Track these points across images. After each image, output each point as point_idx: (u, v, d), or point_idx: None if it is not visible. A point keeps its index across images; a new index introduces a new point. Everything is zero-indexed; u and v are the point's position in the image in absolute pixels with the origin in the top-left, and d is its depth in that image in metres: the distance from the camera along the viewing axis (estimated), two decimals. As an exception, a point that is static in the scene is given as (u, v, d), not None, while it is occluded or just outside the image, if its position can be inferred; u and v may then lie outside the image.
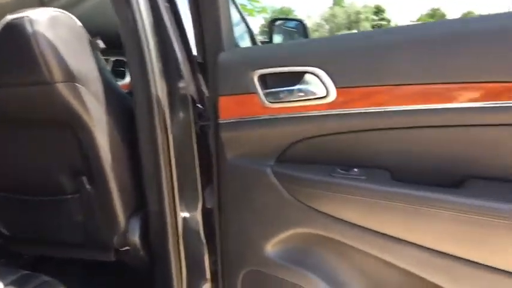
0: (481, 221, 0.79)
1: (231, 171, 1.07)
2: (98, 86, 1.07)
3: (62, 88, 0.99)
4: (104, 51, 1.13)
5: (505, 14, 0.83)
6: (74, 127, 1.06)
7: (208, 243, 1.23)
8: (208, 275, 1.25)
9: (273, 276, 1.08)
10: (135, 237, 1.25)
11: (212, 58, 1.03)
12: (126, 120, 1.14)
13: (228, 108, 1.00)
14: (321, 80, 0.90)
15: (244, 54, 1.01)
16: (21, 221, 1.32)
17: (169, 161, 1.11)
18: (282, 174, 1.00)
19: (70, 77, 0.99)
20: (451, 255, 0.85)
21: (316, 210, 0.98)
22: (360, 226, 0.93)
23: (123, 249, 1.28)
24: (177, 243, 1.18)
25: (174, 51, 1.09)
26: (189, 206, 1.21)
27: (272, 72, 0.95)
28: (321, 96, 0.91)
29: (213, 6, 1.01)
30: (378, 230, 0.91)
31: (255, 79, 0.96)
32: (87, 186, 1.17)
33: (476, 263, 0.82)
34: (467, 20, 0.89)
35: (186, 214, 1.21)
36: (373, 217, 0.91)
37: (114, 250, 1.28)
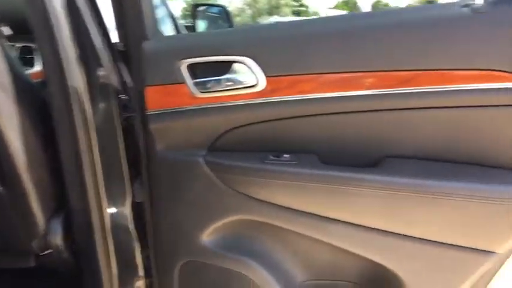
0: (396, 195, 0.87)
1: (162, 163, 1.04)
2: (4, 77, 0.97)
3: None
4: (9, 37, 1.02)
5: (406, 9, 0.92)
6: None
7: (140, 238, 1.19)
8: (141, 271, 1.22)
9: (211, 265, 1.09)
10: (57, 239, 1.17)
11: (136, 47, 0.98)
12: (39, 114, 1.05)
13: (156, 99, 0.97)
14: (250, 69, 0.91)
15: (170, 43, 0.98)
16: None
17: (92, 155, 1.05)
18: (215, 164, 1.00)
19: None
20: (374, 228, 0.93)
21: (250, 196, 1.00)
22: (292, 209, 0.98)
23: (45, 253, 1.19)
24: (105, 240, 1.13)
25: (90, 37, 1.02)
26: (117, 201, 1.16)
27: (200, 61, 0.94)
28: (251, 85, 0.92)
29: None
30: (309, 211, 0.97)
31: (183, 69, 0.94)
32: None
33: (396, 233, 0.91)
34: (378, 13, 0.96)
35: (114, 210, 1.16)
36: (304, 199, 0.96)
37: (34, 255, 1.19)
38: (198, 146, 1.02)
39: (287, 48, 0.91)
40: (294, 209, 0.97)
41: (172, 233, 1.11)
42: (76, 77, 0.98)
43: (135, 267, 1.21)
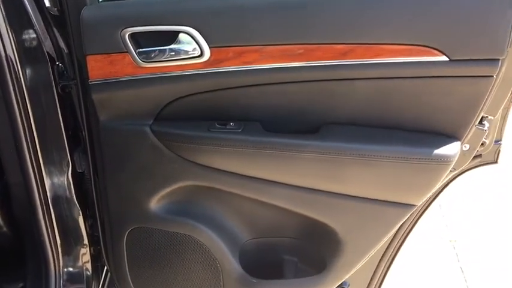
0: (333, 158, 0.96)
1: (106, 133, 1.04)
2: None
3: None
4: None
5: None
6: None
7: (83, 208, 1.20)
8: (85, 240, 1.23)
9: (159, 230, 1.13)
10: None
11: (74, 13, 0.94)
12: None
13: (98, 68, 0.96)
14: (194, 40, 0.92)
15: (112, 11, 0.95)
16: None
17: (29, 125, 1.02)
18: (162, 133, 1.02)
19: None
20: (313, 189, 1.02)
21: (197, 163, 1.04)
22: (237, 174, 1.04)
23: None
24: (47, 212, 1.12)
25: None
26: (57, 172, 1.14)
27: (144, 31, 0.93)
28: (196, 55, 0.94)
29: None
30: (253, 175, 1.03)
31: (126, 38, 0.92)
32: None
33: (333, 193, 1.01)
34: None
35: (55, 180, 1.14)
36: (249, 165, 1.02)
37: None
38: (143, 116, 1.02)
39: (231, 18, 0.93)
40: (239, 174, 1.03)
41: (119, 202, 1.12)
42: (7, 42, 0.93)
43: (79, 236, 1.22)
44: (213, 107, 1.02)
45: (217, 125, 1.01)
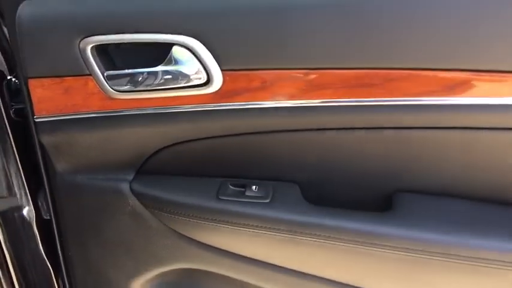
0: (419, 259, 0.59)
1: (67, 189, 0.70)
2: None
3: None
4: None
5: None
6: None
7: (54, 263, 0.88)
8: None
9: None
10: None
11: (10, 12, 0.59)
12: None
13: (47, 99, 0.61)
14: (197, 58, 0.56)
15: (66, 10, 0.58)
16: None
17: None
18: (147, 196, 0.67)
19: None
20: None
21: (199, 242, 0.68)
22: (259, 261, 0.68)
23: None
24: (6, 269, 0.82)
25: None
26: (17, 222, 0.82)
27: (115, 41, 0.57)
28: (200, 83, 0.57)
29: None
30: (284, 266, 0.67)
31: (88, 52, 0.57)
32: None
33: None
34: None
35: (16, 234, 0.83)
36: (280, 254, 0.66)
37: None
38: (120, 169, 0.67)
39: (259, 27, 0.55)
40: (262, 262, 0.67)
41: (89, 281, 0.79)
42: None
43: None
44: (223, 158, 0.66)
45: (232, 187, 0.65)
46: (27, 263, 0.87)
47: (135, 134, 0.64)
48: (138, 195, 0.67)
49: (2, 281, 0.89)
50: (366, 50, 0.53)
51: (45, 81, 0.59)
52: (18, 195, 0.81)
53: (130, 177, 0.68)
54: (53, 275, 0.88)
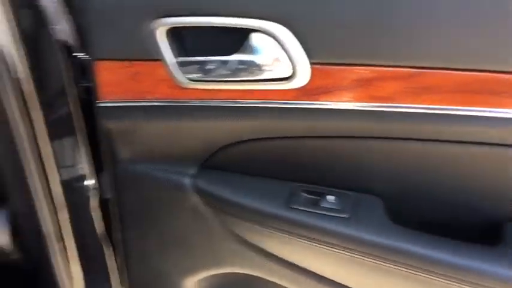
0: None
1: (127, 177, 0.66)
2: None
3: None
4: None
5: None
6: None
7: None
8: (116, 278, 0.92)
9: None
10: (2, 238, 0.88)
11: None
12: None
13: (113, 83, 0.56)
14: (282, 47, 0.48)
15: None
16: None
17: (36, 142, 0.68)
18: (209, 194, 0.61)
19: None
20: None
21: (261, 249, 0.62)
22: (327, 279, 0.60)
23: None
24: (63, 247, 0.83)
25: None
26: (78, 199, 0.82)
27: (191, 25, 0.50)
28: (282, 76, 0.50)
29: None
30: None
31: (160, 35, 0.51)
32: None
33: None
34: None
35: (76, 210, 0.83)
36: (358, 276, 0.58)
37: None
38: (183, 161, 0.62)
39: (361, 14, 0.46)
40: (331, 281, 0.60)
41: (143, 271, 0.76)
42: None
43: (106, 273, 0.92)
44: (298, 161, 0.58)
45: (305, 195, 0.58)
46: (84, 236, 0.88)
47: (202, 127, 0.58)
48: (200, 192, 0.62)
49: (57, 251, 0.90)
50: (497, 50, 0.43)
51: (113, 64, 0.54)
52: (82, 167, 0.80)
53: (193, 171, 0.62)
54: (107, 255, 0.88)
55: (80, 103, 0.73)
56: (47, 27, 0.66)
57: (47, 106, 0.68)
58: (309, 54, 0.48)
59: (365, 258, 0.53)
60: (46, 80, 0.69)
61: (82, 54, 0.71)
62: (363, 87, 0.48)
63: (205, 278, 0.71)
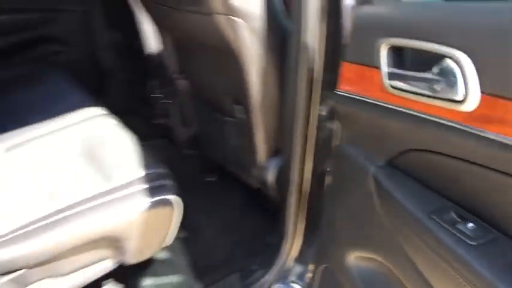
0: None
1: (339, 154, 0.88)
2: (258, 22, 1.04)
3: (220, 19, 1.02)
4: None
5: None
6: (233, 57, 1.09)
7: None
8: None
9: None
10: (269, 176, 1.27)
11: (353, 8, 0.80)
12: (279, 56, 1.08)
13: (349, 79, 0.79)
14: (461, 71, 0.57)
15: (376, 14, 0.72)
16: (204, 127, 1.57)
17: (308, 114, 1.01)
18: (381, 185, 0.75)
19: (229, 11, 1.00)
20: None
21: (404, 248, 0.70)
22: None
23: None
24: (299, 199, 1.12)
25: None
26: (320, 163, 1.09)
27: (404, 45, 0.66)
28: (455, 98, 0.58)
29: None
30: None
31: (382, 50, 0.69)
32: (240, 116, 1.24)
33: None
34: None
35: (317, 171, 1.10)
36: None
37: (254, 180, 1.35)
38: (378, 152, 0.78)
39: None
40: None
41: (328, 233, 0.96)
42: (312, 34, 0.91)
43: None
44: (460, 183, 0.62)
45: (451, 213, 0.62)
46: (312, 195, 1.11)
47: (395, 128, 0.72)
48: (377, 181, 0.76)
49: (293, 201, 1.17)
50: None
51: (352, 66, 0.78)
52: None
53: (381, 163, 0.77)
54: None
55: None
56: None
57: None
58: (482, 83, 0.54)
59: None
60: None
61: None
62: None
63: (362, 257, 0.84)
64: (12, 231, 0.90)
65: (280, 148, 1.23)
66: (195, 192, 1.66)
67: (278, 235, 1.20)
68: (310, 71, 0.93)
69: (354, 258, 0.86)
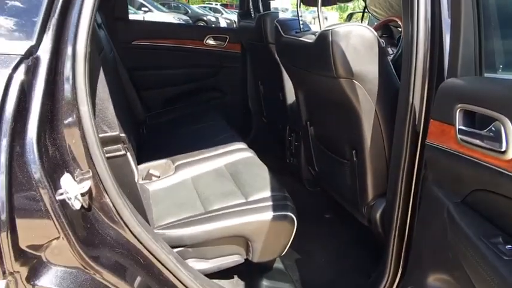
0: None
1: (427, 193, 1.08)
2: (372, 84, 1.33)
3: (343, 82, 1.35)
4: None
5: None
6: (351, 111, 1.40)
7: None
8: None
9: None
10: (376, 215, 1.47)
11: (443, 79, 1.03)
12: (391, 115, 1.30)
13: (434, 133, 1.01)
14: (505, 130, 0.77)
15: (456, 85, 0.95)
16: (324, 167, 1.87)
17: (414, 158, 1.18)
18: (453, 218, 0.93)
19: (350, 75, 1.32)
20: None
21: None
22: None
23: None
24: (401, 237, 1.25)
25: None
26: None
27: (473, 110, 0.87)
28: (499, 149, 0.77)
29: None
30: None
31: (457, 112, 0.91)
32: (354, 159, 1.51)
33: None
34: None
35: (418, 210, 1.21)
36: None
37: (364, 218, 1.56)
38: (455, 191, 0.96)
39: None
40: None
41: (413, 256, 1.14)
42: (418, 91, 1.13)
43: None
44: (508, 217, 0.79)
45: (498, 238, 0.79)
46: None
47: (465, 172, 0.91)
48: (450, 216, 0.94)
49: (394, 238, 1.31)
50: None
51: (437, 123, 1.00)
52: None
53: (457, 200, 0.95)
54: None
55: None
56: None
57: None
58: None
59: None
60: None
61: None
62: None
63: (439, 278, 1.00)
64: (180, 220, 1.35)
65: (386, 190, 1.42)
66: (312, 223, 1.94)
67: (380, 270, 1.35)
68: (413, 125, 1.14)
69: (433, 279, 1.03)
